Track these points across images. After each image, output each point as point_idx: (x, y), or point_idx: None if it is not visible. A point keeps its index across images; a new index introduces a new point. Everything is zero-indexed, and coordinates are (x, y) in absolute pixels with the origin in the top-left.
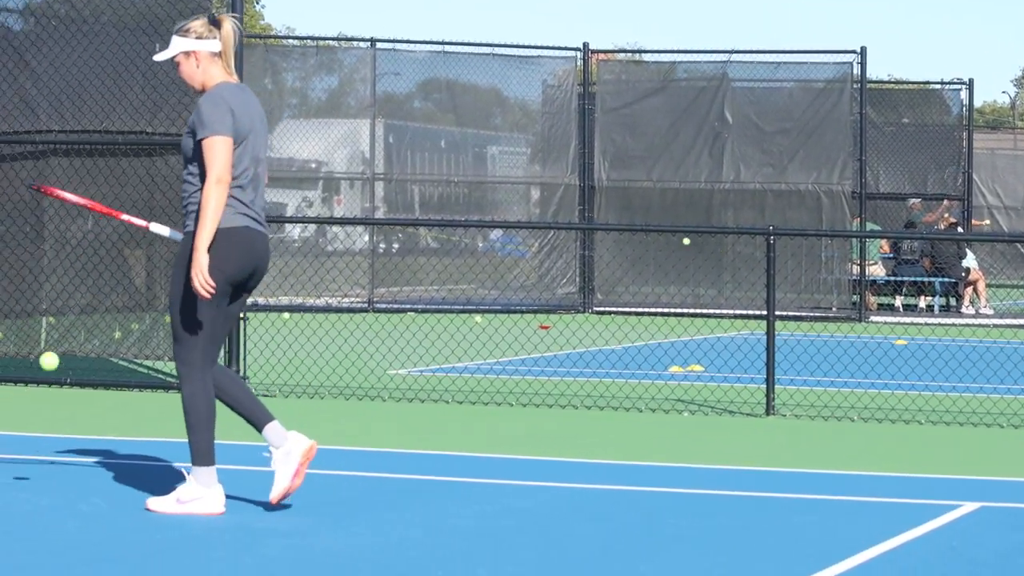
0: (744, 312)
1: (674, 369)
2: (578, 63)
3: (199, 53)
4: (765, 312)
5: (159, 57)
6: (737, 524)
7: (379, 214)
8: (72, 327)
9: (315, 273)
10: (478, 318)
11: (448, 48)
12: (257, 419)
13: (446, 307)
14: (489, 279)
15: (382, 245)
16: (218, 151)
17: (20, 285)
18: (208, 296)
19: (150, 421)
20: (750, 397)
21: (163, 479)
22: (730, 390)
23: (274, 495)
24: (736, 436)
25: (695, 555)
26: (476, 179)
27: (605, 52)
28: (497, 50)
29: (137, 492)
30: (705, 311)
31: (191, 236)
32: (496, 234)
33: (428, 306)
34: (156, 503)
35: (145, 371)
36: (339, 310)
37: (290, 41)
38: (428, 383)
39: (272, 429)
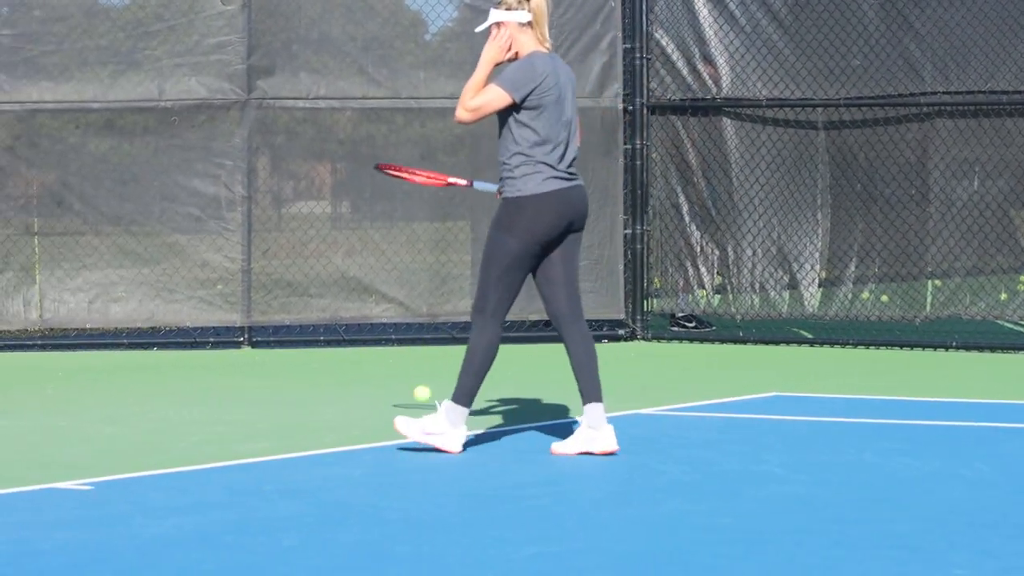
0: None
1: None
2: None
3: (510, 24)
4: None
5: (479, 28)
6: None
7: None
8: (958, 290)
9: None
10: None
11: None
12: (586, 393)
13: None
14: None
15: None
16: (490, 98)
17: (906, 248)
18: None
19: None
20: None
21: None
22: None
23: (554, 448)
24: None
25: None
26: None
27: None
28: None
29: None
30: None
31: (505, 201)
32: None
33: None
34: (403, 424)
35: None
36: None
37: None
38: None
39: (593, 410)
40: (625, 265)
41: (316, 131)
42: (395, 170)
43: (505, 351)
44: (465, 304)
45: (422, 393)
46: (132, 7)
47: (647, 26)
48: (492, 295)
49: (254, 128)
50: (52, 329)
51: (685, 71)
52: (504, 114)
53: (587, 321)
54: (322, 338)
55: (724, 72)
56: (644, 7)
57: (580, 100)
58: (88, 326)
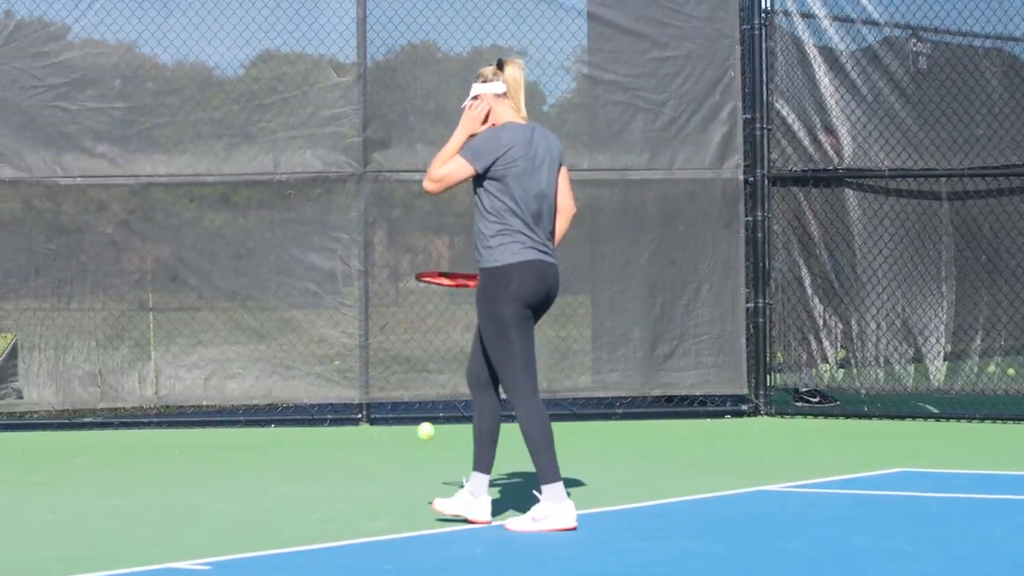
0: None
1: None
2: None
3: (486, 95)
4: None
5: (464, 105)
6: None
7: None
8: None
9: None
10: None
11: None
12: (482, 461)
13: None
14: None
15: None
16: (453, 169)
17: None
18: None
19: None
20: None
21: None
22: None
23: (439, 506)
24: None
25: None
26: None
27: None
28: None
29: None
30: None
31: (485, 272)
32: None
33: None
34: (515, 523)
35: None
36: None
37: None
38: None
39: (478, 479)
40: (747, 339)
41: (433, 204)
42: (433, 277)
43: (621, 427)
44: (586, 379)
45: (426, 431)
46: (246, 79)
47: (767, 96)
48: (512, 373)
49: (370, 201)
50: (168, 406)
51: (806, 141)
52: (475, 185)
53: (711, 396)
54: (441, 414)
55: (846, 142)
56: (764, 77)
57: (700, 171)
58: (204, 403)
